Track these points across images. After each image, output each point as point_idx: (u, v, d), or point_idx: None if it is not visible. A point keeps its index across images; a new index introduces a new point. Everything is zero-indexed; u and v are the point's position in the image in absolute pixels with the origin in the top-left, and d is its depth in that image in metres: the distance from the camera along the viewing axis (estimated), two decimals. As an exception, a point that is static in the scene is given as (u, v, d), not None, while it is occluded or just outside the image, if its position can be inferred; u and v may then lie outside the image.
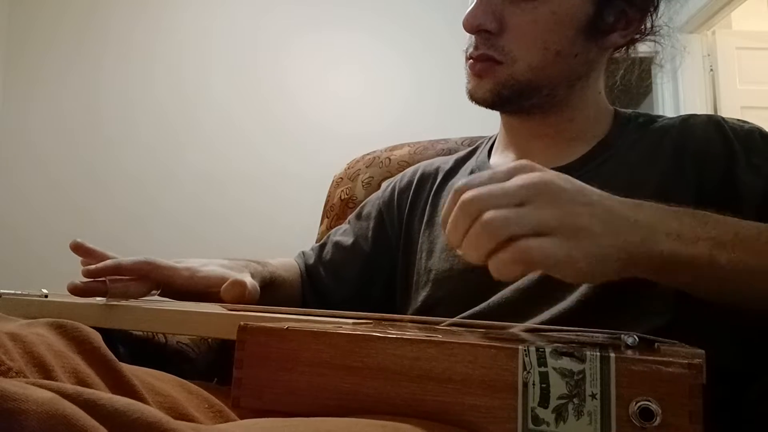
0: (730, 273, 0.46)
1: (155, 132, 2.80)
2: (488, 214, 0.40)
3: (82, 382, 0.35)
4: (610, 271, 0.43)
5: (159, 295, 0.65)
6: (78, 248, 0.64)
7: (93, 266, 0.62)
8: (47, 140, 2.76)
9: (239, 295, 0.61)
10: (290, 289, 0.79)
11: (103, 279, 0.61)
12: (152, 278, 0.64)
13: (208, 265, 0.67)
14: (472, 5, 0.64)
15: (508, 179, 0.43)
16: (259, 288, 0.66)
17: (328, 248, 0.84)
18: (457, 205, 0.42)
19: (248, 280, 0.64)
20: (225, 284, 0.62)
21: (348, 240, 0.83)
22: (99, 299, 0.57)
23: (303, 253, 0.86)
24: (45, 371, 0.33)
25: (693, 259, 0.44)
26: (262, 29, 2.90)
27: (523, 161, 0.44)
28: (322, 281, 0.81)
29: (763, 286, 0.47)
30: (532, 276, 0.60)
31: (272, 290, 0.74)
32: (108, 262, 0.62)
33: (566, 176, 0.44)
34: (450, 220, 0.43)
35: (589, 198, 0.43)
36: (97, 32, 2.85)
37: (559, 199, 0.42)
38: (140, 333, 0.64)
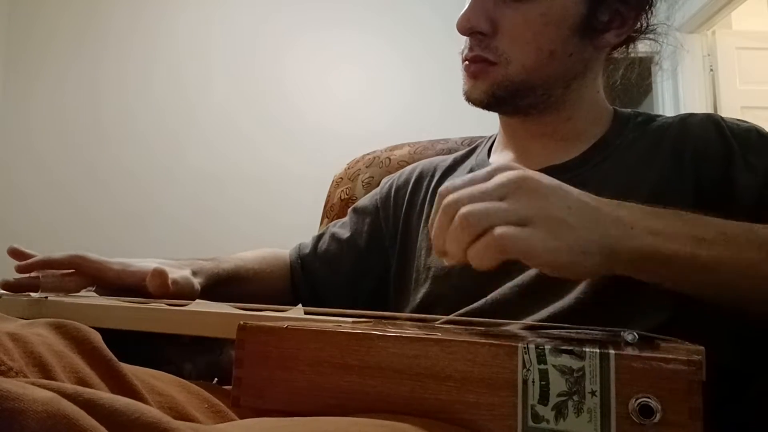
0: (712, 269, 0.46)
1: (155, 131, 2.80)
2: (465, 208, 0.41)
3: (82, 382, 0.35)
4: (593, 266, 0.43)
5: (95, 291, 0.64)
6: (15, 253, 0.65)
7: (24, 262, 0.63)
8: (47, 140, 2.76)
9: (160, 285, 0.61)
10: (268, 281, 0.79)
11: (35, 275, 0.62)
12: (84, 272, 0.64)
13: (145, 261, 0.66)
14: (466, 7, 0.65)
15: (489, 179, 0.44)
16: (196, 283, 0.66)
17: (325, 238, 0.84)
18: (440, 208, 0.43)
19: (179, 273, 0.64)
20: (148, 276, 0.61)
21: (345, 233, 0.83)
22: (59, 296, 0.57)
23: (300, 244, 0.86)
24: (45, 371, 0.33)
25: (673, 254, 0.45)
26: (262, 29, 2.90)
27: (504, 163, 0.46)
28: (315, 272, 0.82)
29: (748, 282, 0.47)
30: (531, 273, 0.60)
31: (237, 285, 0.74)
32: (38, 256, 0.63)
33: (546, 175, 0.45)
34: (435, 224, 0.44)
35: (567, 193, 0.44)
36: (97, 32, 2.85)
37: (536, 193, 0.42)
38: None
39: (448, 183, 0.45)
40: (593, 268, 0.43)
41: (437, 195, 0.45)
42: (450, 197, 0.43)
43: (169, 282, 0.61)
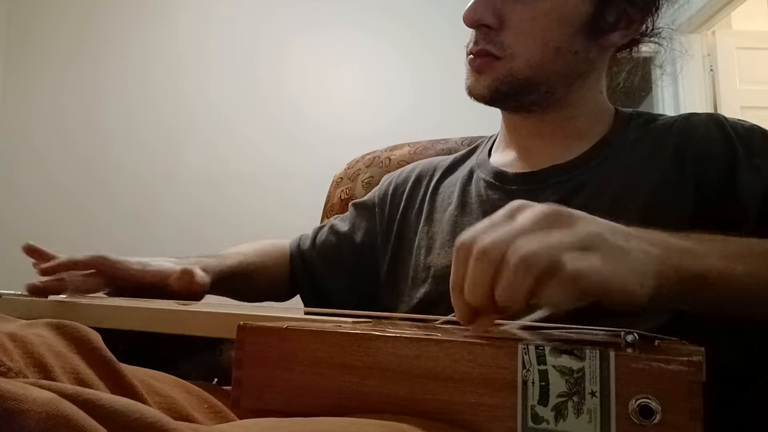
0: (747, 284, 0.45)
1: (155, 132, 2.79)
2: (520, 248, 0.34)
3: (82, 383, 0.35)
4: (647, 292, 0.38)
5: (108, 293, 0.65)
6: (31, 251, 0.65)
7: (48, 264, 0.63)
8: (47, 140, 2.76)
9: (188, 283, 0.63)
10: (269, 275, 0.81)
11: (61, 276, 0.62)
12: (107, 272, 0.64)
13: (157, 260, 0.68)
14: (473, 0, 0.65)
15: (511, 218, 0.38)
16: (208, 281, 0.68)
17: (325, 230, 0.85)
18: (473, 258, 0.36)
19: (198, 271, 0.66)
20: (175, 273, 0.63)
21: (344, 226, 0.84)
22: (72, 298, 0.57)
23: (301, 236, 0.87)
24: (45, 372, 0.33)
25: (707, 271, 0.43)
26: (262, 29, 2.89)
27: (517, 201, 0.39)
28: (314, 263, 0.83)
29: None
30: None
31: (239, 280, 0.75)
32: (62, 258, 0.63)
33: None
34: (468, 279, 0.36)
35: (600, 221, 0.40)
36: (96, 32, 2.84)
37: (579, 222, 0.38)
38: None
39: (465, 233, 0.38)
40: (647, 295, 0.38)
41: (455, 249, 0.38)
42: (484, 243, 0.35)
43: (195, 281, 0.63)
